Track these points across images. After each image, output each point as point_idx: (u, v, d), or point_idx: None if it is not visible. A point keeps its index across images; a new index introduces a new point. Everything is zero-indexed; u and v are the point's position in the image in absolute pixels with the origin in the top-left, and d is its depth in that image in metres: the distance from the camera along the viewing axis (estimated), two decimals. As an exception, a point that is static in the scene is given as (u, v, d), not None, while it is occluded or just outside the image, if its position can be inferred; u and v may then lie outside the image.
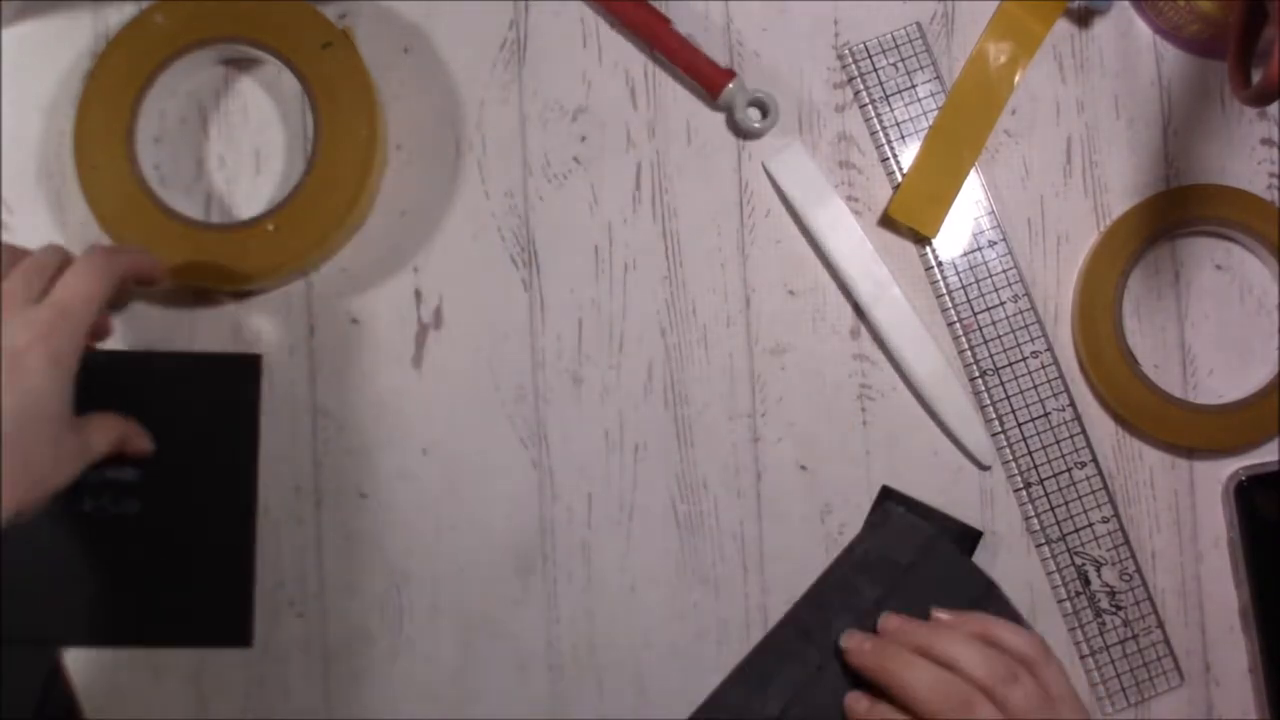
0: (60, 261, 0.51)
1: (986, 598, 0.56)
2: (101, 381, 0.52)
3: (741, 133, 0.61)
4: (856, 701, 0.55)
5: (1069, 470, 0.60)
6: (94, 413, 0.53)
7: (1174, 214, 0.60)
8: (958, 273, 0.61)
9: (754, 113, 0.61)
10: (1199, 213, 0.60)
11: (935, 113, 0.61)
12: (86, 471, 0.51)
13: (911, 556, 0.57)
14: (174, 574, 0.58)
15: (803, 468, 0.60)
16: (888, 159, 0.61)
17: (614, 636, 0.59)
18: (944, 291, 0.61)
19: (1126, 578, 0.59)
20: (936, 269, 0.61)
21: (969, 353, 0.60)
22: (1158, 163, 0.62)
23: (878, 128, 0.61)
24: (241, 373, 0.59)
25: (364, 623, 0.59)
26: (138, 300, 0.60)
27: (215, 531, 0.58)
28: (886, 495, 0.59)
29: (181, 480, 0.58)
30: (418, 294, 0.61)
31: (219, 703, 0.58)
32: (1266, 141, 0.62)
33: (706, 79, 0.60)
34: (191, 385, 0.58)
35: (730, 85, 0.60)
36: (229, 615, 0.59)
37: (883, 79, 0.61)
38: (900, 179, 0.61)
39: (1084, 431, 0.60)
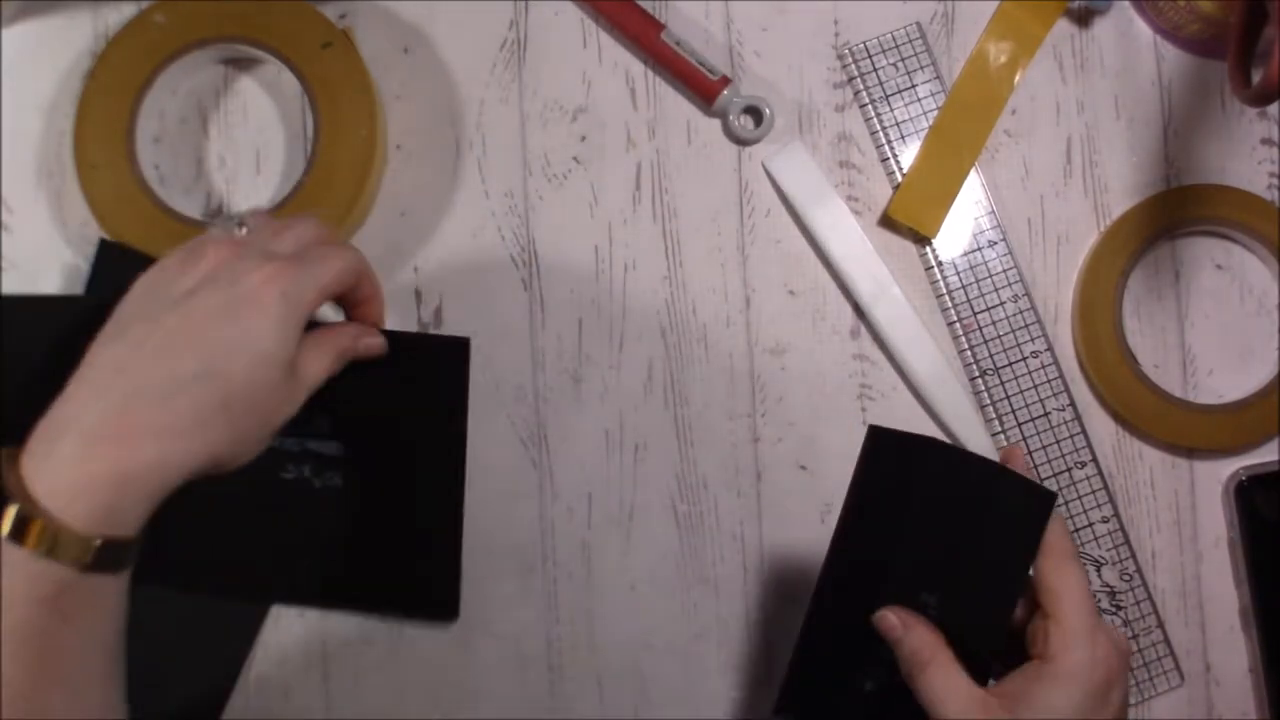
0: (317, 234, 0.51)
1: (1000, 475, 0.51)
2: None
3: (736, 139, 0.61)
4: (890, 617, 0.49)
5: (1069, 470, 0.60)
6: (307, 338, 0.49)
7: (1174, 214, 0.60)
8: (958, 273, 0.61)
9: (748, 120, 0.61)
10: (1199, 213, 0.60)
11: (935, 113, 0.61)
12: (287, 440, 0.52)
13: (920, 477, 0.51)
14: (382, 547, 0.58)
15: (803, 468, 0.60)
16: (888, 159, 0.61)
17: (614, 636, 0.59)
18: (944, 291, 0.61)
19: (1126, 578, 0.59)
20: (936, 269, 0.61)
21: (969, 353, 0.60)
22: (1158, 163, 0.62)
23: (878, 128, 0.61)
24: (450, 354, 0.58)
25: (364, 623, 0.59)
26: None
27: (424, 509, 0.58)
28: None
29: (388, 457, 0.58)
30: (418, 294, 0.61)
31: (219, 703, 0.58)
32: (1266, 141, 0.62)
33: (699, 87, 0.60)
34: (399, 365, 0.57)
35: (724, 92, 0.60)
36: (438, 590, 0.58)
37: (883, 79, 0.61)
38: (900, 179, 0.61)
39: (1084, 431, 0.60)
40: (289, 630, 0.59)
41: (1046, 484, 0.60)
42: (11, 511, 0.42)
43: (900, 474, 0.51)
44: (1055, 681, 0.45)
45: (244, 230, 0.50)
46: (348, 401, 0.55)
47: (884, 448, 0.51)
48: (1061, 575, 0.47)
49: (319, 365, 0.50)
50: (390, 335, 0.55)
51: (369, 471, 0.58)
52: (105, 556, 0.43)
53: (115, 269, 0.58)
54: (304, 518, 0.58)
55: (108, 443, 0.43)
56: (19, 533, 0.42)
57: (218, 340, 0.46)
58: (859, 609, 0.51)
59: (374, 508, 0.58)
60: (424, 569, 0.58)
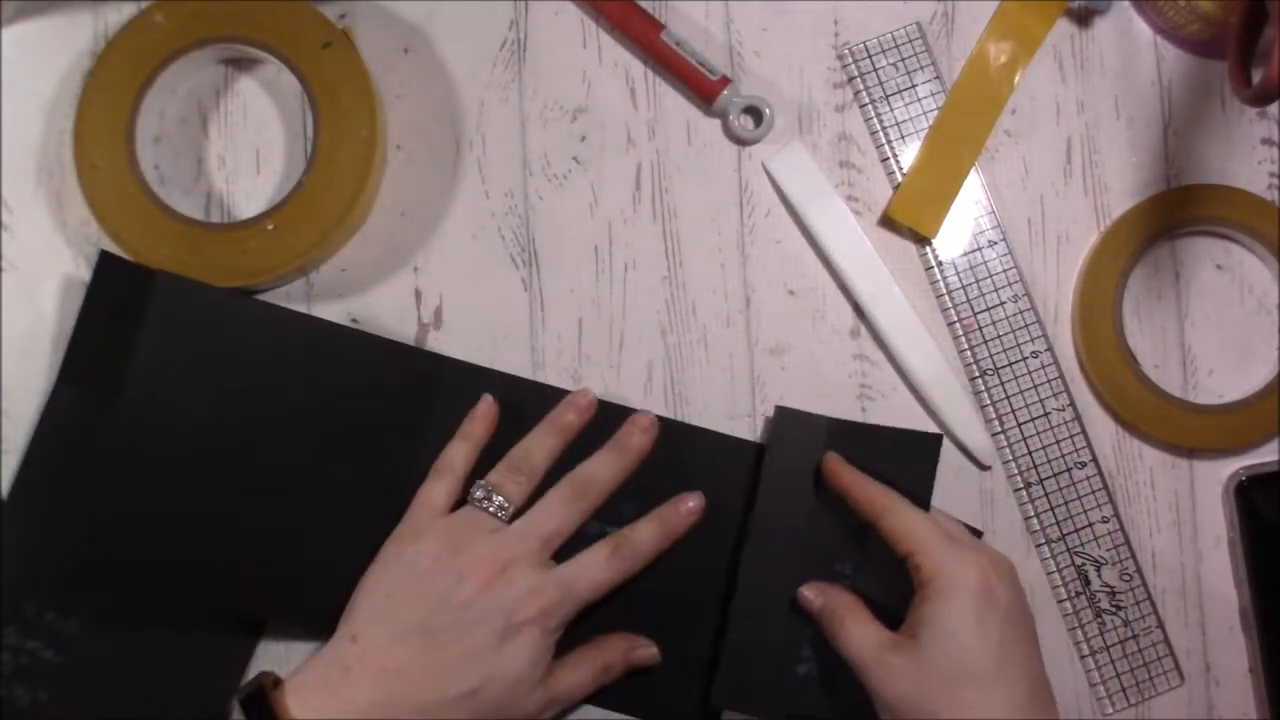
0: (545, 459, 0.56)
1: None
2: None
3: (736, 139, 0.61)
4: (806, 593, 0.55)
5: (1069, 470, 0.60)
6: (570, 655, 0.54)
7: (1174, 214, 0.60)
8: (958, 273, 0.61)
9: (747, 120, 0.61)
10: (1199, 213, 0.60)
11: (935, 113, 0.61)
12: (590, 522, 0.56)
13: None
14: (654, 636, 0.57)
15: (803, 468, 0.60)
16: (888, 159, 0.61)
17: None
18: (944, 291, 0.61)
19: (1126, 578, 0.59)
20: (936, 269, 0.61)
21: (969, 353, 0.60)
22: (1158, 163, 0.62)
23: (878, 128, 0.61)
24: (743, 456, 0.58)
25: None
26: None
27: (691, 612, 0.57)
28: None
29: (680, 549, 0.57)
30: (418, 294, 0.61)
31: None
32: (1266, 141, 0.62)
33: (699, 87, 0.60)
34: (695, 460, 0.58)
35: (724, 92, 0.60)
36: (685, 697, 0.57)
37: (883, 79, 0.61)
38: (900, 179, 0.61)
39: (1084, 431, 0.60)
40: (292, 630, 0.59)
41: (1046, 484, 0.60)
42: None
43: (803, 452, 0.57)
44: (938, 600, 0.50)
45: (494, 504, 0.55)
46: (651, 491, 0.56)
47: (788, 428, 0.57)
48: (899, 518, 0.53)
49: (574, 681, 0.54)
50: (714, 437, 0.58)
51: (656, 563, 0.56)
52: None
53: (115, 280, 0.58)
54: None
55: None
56: None
57: (486, 666, 0.51)
58: (781, 591, 0.56)
59: (655, 597, 0.57)
60: (673, 673, 0.57)
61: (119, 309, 0.57)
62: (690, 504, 0.56)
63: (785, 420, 0.57)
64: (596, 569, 0.54)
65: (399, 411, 0.58)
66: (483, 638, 0.51)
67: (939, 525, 0.53)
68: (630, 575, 0.54)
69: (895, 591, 0.53)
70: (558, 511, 0.54)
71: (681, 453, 0.58)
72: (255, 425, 0.57)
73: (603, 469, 0.56)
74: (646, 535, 0.55)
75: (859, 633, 0.52)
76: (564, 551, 0.54)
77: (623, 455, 0.56)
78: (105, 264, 0.58)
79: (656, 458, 0.57)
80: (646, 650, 0.56)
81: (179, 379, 0.57)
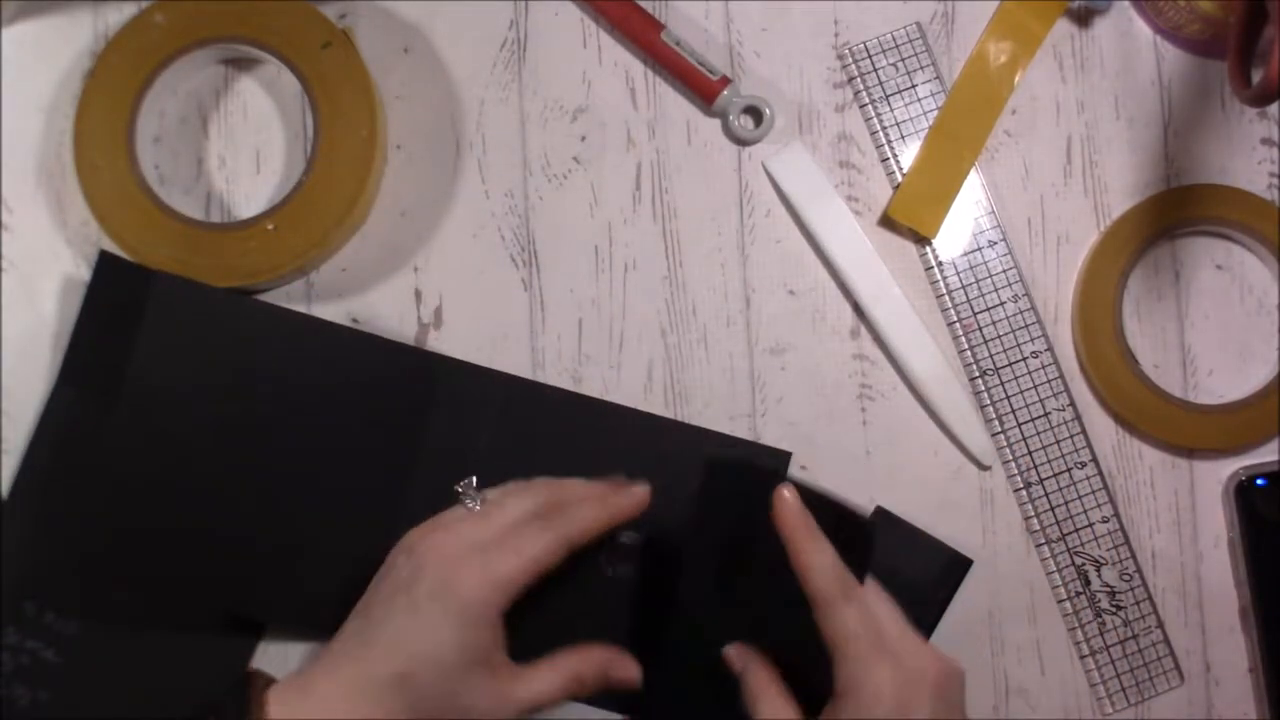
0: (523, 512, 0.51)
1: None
2: (641, 439, 0.55)
3: (736, 139, 0.61)
4: (730, 653, 0.53)
5: (1069, 470, 0.60)
6: (542, 659, 0.51)
7: (1174, 214, 0.60)
8: (958, 273, 0.61)
9: (747, 120, 0.61)
10: (1199, 213, 0.60)
11: (935, 113, 0.61)
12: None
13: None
14: (659, 646, 0.56)
15: (803, 468, 0.60)
16: (888, 159, 0.61)
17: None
18: (944, 291, 0.61)
19: (1126, 578, 0.59)
20: (936, 269, 0.61)
21: (969, 353, 0.60)
22: (1158, 163, 0.62)
23: (878, 128, 0.61)
24: (768, 468, 0.58)
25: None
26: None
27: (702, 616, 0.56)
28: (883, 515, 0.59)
29: (691, 551, 0.56)
30: (418, 294, 0.61)
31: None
32: (1266, 141, 0.62)
33: (699, 87, 0.60)
34: (720, 475, 0.56)
35: (724, 92, 0.60)
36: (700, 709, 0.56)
37: (883, 79, 0.61)
38: (900, 179, 0.61)
39: (1084, 431, 0.60)
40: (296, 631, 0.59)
41: (1046, 484, 0.60)
42: None
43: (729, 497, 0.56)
44: (845, 715, 0.47)
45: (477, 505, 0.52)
46: (672, 494, 0.55)
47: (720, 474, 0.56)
48: (826, 611, 0.48)
49: (537, 686, 0.50)
50: (720, 439, 0.57)
51: (666, 566, 0.56)
52: None
53: (115, 280, 0.58)
54: (597, 607, 0.57)
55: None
56: None
57: (410, 636, 0.48)
58: (702, 626, 0.54)
59: (664, 604, 0.56)
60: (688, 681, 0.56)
61: (119, 309, 0.57)
62: (636, 491, 0.53)
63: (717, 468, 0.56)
64: (530, 540, 0.50)
65: (397, 411, 0.58)
66: (403, 602, 0.48)
67: (870, 624, 0.48)
68: (566, 550, 0.50)
69: (797, 628, 0.50)
70: (524, 515, 0.51)
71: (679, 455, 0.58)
72: (254, 425, 0.57)
73: (587, 510, 0.52)
74: (586, 510, 0.52)
75: (769, 711, 0.50)
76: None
77: (605, 509, 0.53)
78: (105, 264, 0.58)
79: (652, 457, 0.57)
80: (626, 669, 0.52)
81: (178, 379, 0.57)
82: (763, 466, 0.58)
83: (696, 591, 0.55)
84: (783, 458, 0.58)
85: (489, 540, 0.50)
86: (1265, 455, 0.60)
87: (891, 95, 0.61)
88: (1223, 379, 0.61)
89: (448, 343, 0.60)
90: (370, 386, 0.58)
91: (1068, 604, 0.59)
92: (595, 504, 0.52)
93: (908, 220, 0.60)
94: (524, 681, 0.50)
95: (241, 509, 0.57)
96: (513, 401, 0.58)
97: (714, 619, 0.54)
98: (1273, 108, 0.61)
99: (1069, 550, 0.59)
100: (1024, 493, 0.60)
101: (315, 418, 0.57)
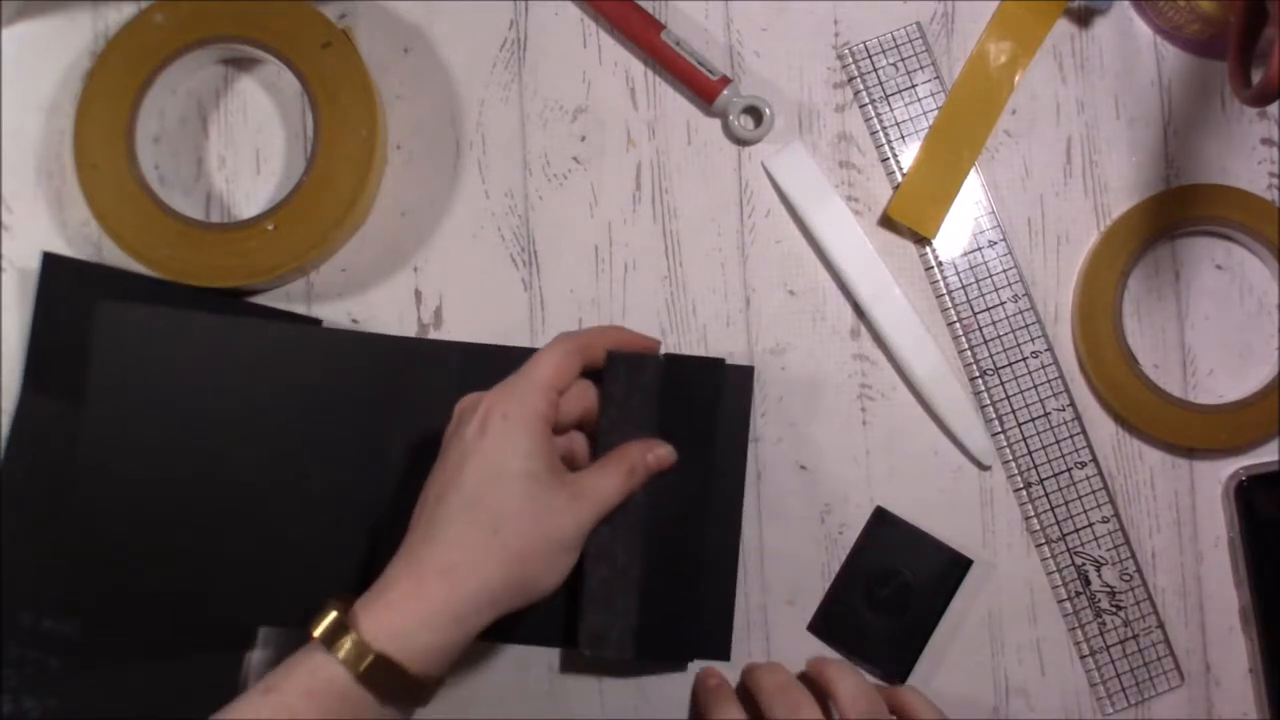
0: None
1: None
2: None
3: (736, 139, 0.61)
4: (709, 677, 0.58)
5: (1069, 470, 0.60)
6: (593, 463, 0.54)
7: (1174, 214, 0.60)
8: (958, 273, 0.61)
9: (747, 120, 0.61)
10: (1199, 213, 0.60)
11: (935, 113, 0.61)
12: None
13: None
14: (663, 585, 0.55)
15: (803, 468, 0.60)
16: (888, 159, 0.61)
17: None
18: (944, 291, 0.61)
19: (1126, 578, 0.59)
20: (936, 269, 0.61)
21: (969, 353, 0.60)
22: (1158, 163, 0.62)
23: (878, 128, 0.61)
24: (737, 380, 0.58)
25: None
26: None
27: (704, 542, 0.56)
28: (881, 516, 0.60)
29: (673, 486, 0.55)
30: (418, 294, 0.61)
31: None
32: (1266, 141, 0.62)
33: (699, 87, 0.60)
34: (686, 389, 0.56)
35: (724, 92, 0.60)
36: (714, 627, 0.58)
37: (883, 79, 0.61)
38: (900, 179, 0.61)
39: (1084, 431, 0.60)
40: (294, 631, 0.59)
41: (1046, 483, 0.60)
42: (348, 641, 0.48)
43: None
44: None
45: None
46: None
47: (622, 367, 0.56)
48: None
49: (602, 482, 0.53)
50: (673, 359, 0.56)
51: (659, 500, 0.55)
52: (376, 672, 0.47)
53: (62, 283, 0.58)
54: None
55: (409, 585, 0.49)
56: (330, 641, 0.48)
57: (470, 459, 0.50)
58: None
59: (662, 540, 0.55)
60: (702, 606, 0.57)
61: (72, 310, 0.57)
62: (638, 334, 0.57)
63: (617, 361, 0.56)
64: (546, 351, 0.53)
65: (364, 403, 0.57)
66: (458, 444, 0.51)
67: None
68: (579, 357, 0.53)
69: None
70: (561, 361, 0.53)
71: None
72: (225, 432, 0.57)
73: (591, 329, 0.56)
74: (591, 329, 0.56)
75: (720, 712, 0.54)
76: None
77: (606, 329, 0.57)
78: (50, 265, 0.58)
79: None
80: (661, 449, 0.55)
81: (140, 392, 0.57)
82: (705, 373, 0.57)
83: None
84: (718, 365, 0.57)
85: (518, 374, 0.53)
86: (1265, 455, 0.60)
87: (891, 95, 0.61)
88: (1223, 379, 0.61)
89: (448, 343, 0.60)
90: (333, 381, 0.58)
91: (1068, 604, 0.59)
92: (600, 327, 0.57)
93: (908, 220, 0.60)
94: (589, 483, 0.52)
95: (221, 520, 0.57)
96: (469, 364, 0.58)
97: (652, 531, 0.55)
98: (1273, 108, 0.61)
99: (1069, 550, 0.59)
100: (1024, 493, 0.60)
101: (284, 419, 0.57)
